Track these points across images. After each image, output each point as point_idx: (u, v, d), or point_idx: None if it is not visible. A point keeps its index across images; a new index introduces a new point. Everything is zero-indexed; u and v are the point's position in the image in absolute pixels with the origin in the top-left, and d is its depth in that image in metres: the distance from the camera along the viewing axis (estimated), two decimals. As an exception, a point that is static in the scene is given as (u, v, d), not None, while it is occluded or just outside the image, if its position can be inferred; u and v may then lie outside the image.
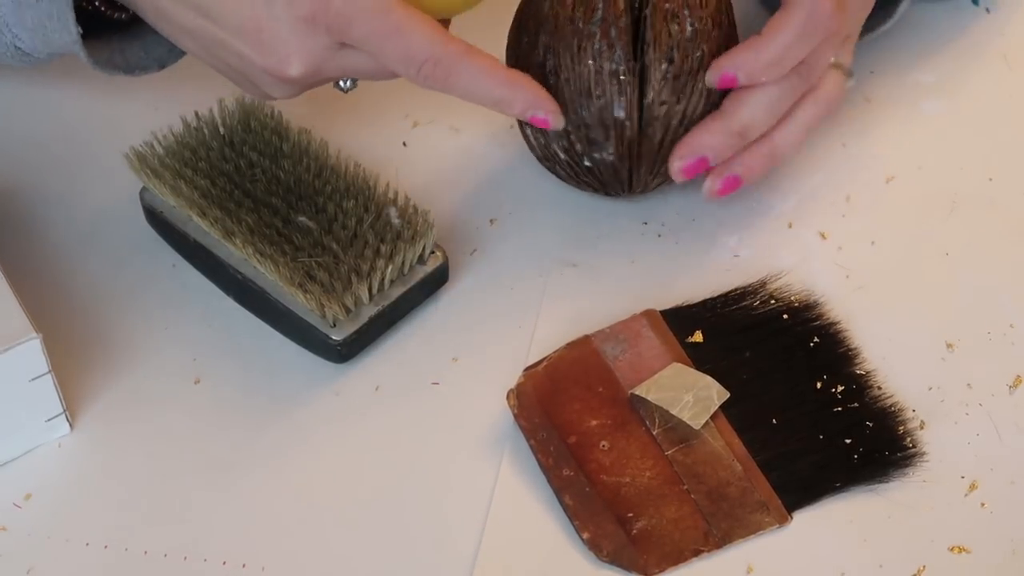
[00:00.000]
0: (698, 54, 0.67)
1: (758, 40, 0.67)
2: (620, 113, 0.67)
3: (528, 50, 0.68)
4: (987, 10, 0.82)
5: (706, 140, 0.68)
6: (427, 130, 0.77)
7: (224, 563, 0.61)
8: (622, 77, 0.66)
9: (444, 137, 0.77)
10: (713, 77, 0.67)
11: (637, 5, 0.67)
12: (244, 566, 0.61)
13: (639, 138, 0.68)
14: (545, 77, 0.67)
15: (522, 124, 0.71)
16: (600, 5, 0.66)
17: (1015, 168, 0.75)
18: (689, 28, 0.67)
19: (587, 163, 0.69)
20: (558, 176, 0.72)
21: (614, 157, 0.68)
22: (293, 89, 0.66)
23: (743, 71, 0.67)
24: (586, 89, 0.67)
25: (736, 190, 0.69)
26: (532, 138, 0.70)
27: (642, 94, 0.67)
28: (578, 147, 0.68)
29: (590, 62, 0.66)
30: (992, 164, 0.75)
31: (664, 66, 0.67)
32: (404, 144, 0.76)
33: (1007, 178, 0.75)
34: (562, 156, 0.69)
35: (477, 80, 0.64)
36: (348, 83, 0.67)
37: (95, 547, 0.62)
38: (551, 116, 0.66)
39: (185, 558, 0.62)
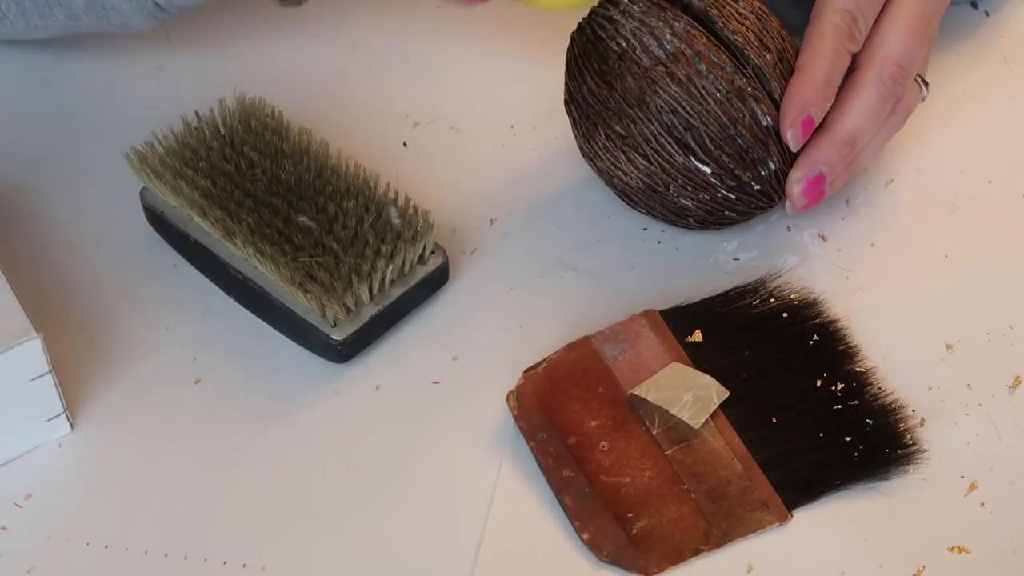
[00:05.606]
0: (775, 32, 0.67)
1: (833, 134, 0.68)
2: (767, 120, 0.66)
3: (639, 126, 0.67)
4: (986, 13, 0.82)
5: (818, 155, 0.68)
6: (427, 130, 0.77)
7: (224, 563, 0.61)
8: (748, 88, 0.66)
9: (444, 137, 0.77)
10: (799, 174, 0.68)
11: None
12: (244, 566, 0.61)
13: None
14: (676, 136, 0.66)
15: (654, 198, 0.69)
16: (686, 47, 0.66)
17: (1015, 171, 0.75)
18: (751, 15, 0.67)
19: (757, 186, 0.68)
20: (684, 227, 0.71)
21: (778, 163, 0.68)
22: None
23: (825, 165, 0.68)
24: (729, 117, 0.66)
25: (820, 201, 0.69)
26: (671, 196, 0.68)
27: (769, 91, 0.67)
28: (747, 175, 0.67)
29: (717, 94, 0.66)
30: (992, 167, 0.75)
31: (768, 56, 0.67)
32: (404, 144, 0.76)
33: (1007, 181, 0.75)
34: (731, 196, 0.68)
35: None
36: None
37: (95, 547, 0.62)
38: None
39: (185, 558, 0.61)
